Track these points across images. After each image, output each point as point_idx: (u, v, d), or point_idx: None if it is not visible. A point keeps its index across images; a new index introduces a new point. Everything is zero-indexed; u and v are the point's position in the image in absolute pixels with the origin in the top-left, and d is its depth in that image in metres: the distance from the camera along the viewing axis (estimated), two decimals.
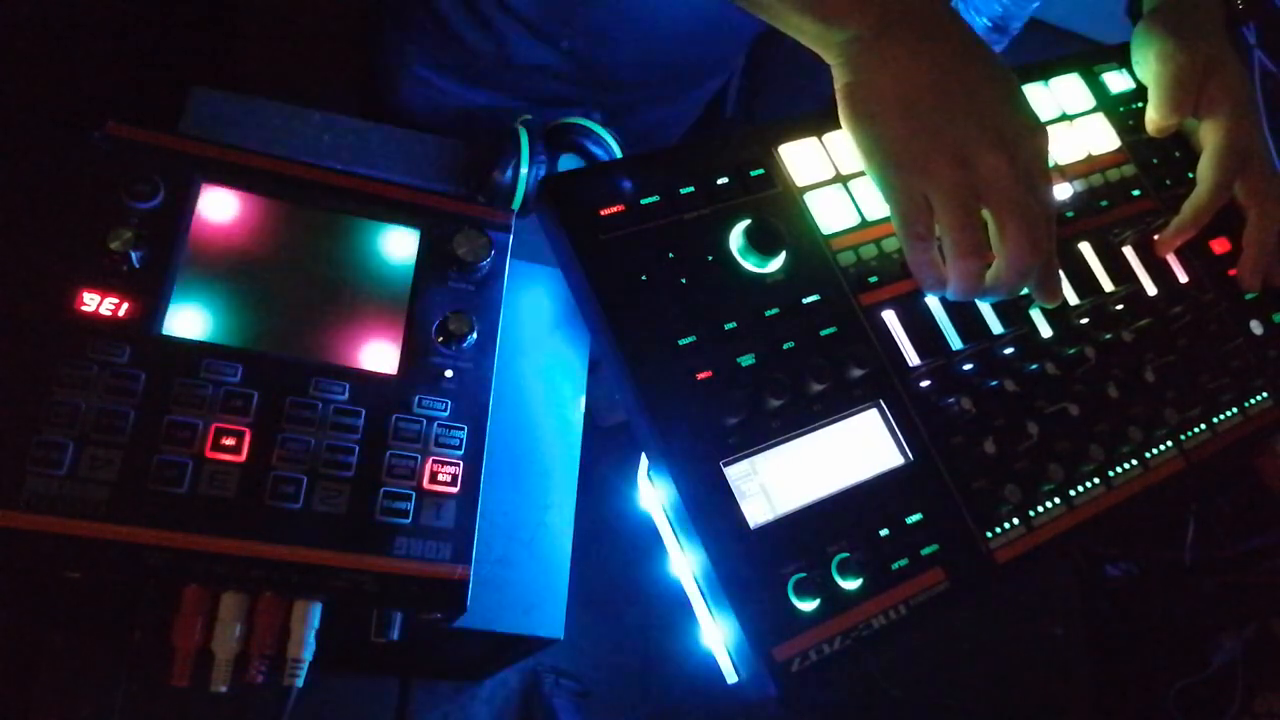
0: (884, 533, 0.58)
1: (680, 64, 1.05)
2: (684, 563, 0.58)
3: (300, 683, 0.55)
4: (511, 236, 0.66)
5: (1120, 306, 0.71)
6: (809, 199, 0.66)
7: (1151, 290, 0.74)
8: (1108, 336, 0.69)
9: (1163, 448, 0.68)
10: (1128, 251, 0.74)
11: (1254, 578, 0.92)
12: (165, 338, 0.56)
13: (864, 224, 0.67)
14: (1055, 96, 0.78)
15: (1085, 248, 0.72)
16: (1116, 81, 0.81)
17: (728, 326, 0.60)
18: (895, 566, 0.57)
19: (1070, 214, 0.73)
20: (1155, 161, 0.79)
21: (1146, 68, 0.79)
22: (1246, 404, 0.73)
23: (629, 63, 1.01)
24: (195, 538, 0.52)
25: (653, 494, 0.61)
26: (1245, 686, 0.89)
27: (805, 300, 0.63)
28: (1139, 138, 0.79)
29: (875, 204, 0.67)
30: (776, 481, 0.57)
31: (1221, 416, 0.71)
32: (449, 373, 0.61)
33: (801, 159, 0.67)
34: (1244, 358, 0.74)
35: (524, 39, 0.97)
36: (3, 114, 1.07)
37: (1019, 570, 0.61)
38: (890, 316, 0.64)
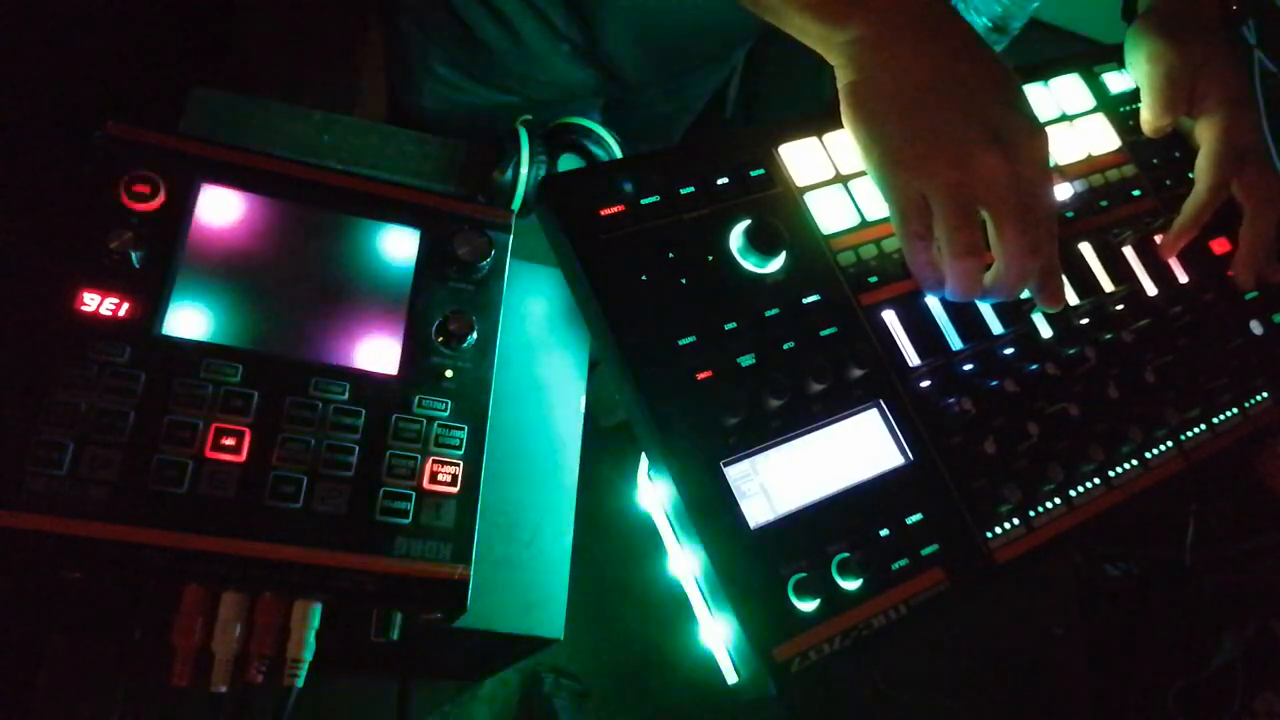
0: (884, 533, 0.58)
1: (689, 48, 1.05)
2: (684, 563, 0.58)
3: (300, 683, 0.55)
4: (511, 236, 0.66)
5: (1120, 307, 0.71)
6: (809, 199, 0.66)
7: (1151, 290, 0.74)
8: (1108, 337, 0.69)
9: (1163, 448, 0.68)
10: (1128, 251, 0.74)
11: (1254, 578, 0.92)
12: (165, 338, 0.56)
13: (864, 224, 0.67)
14: (1055, 96, 0.78)
15: (1085, 248, 0.72)
16: (1116, 81, 0.81)
17: (728, 326, 0.60)
18: (895, 566, 0.57)
19: (1070, 214, 0.73)
20: (1155, 161, 0.79)
21: (1139, 68, 0.79)
22: (1246, 404, 0.73)
23: (633, 43, 1.01)
24: (195, 538, 0.52)
25: (653, 494, 0.61)
26: (1245, 686, 0.89)
27: (805, 300, 0.63)
28: (1139, 138, 0.79)
29: (875, 204, 0.67)
30: (776, 481, 0.57)
31: (1221, 416, 0.71)
32: (449, 373, 0.61)
33: (801, 159, 0.67)
34: (1244, 358, 0.74)
35: (536, 28, 0.97)
36: (3, 114, 1.07)
37: (1019, 570, 0.61)
38: (890, 316, 0.64)
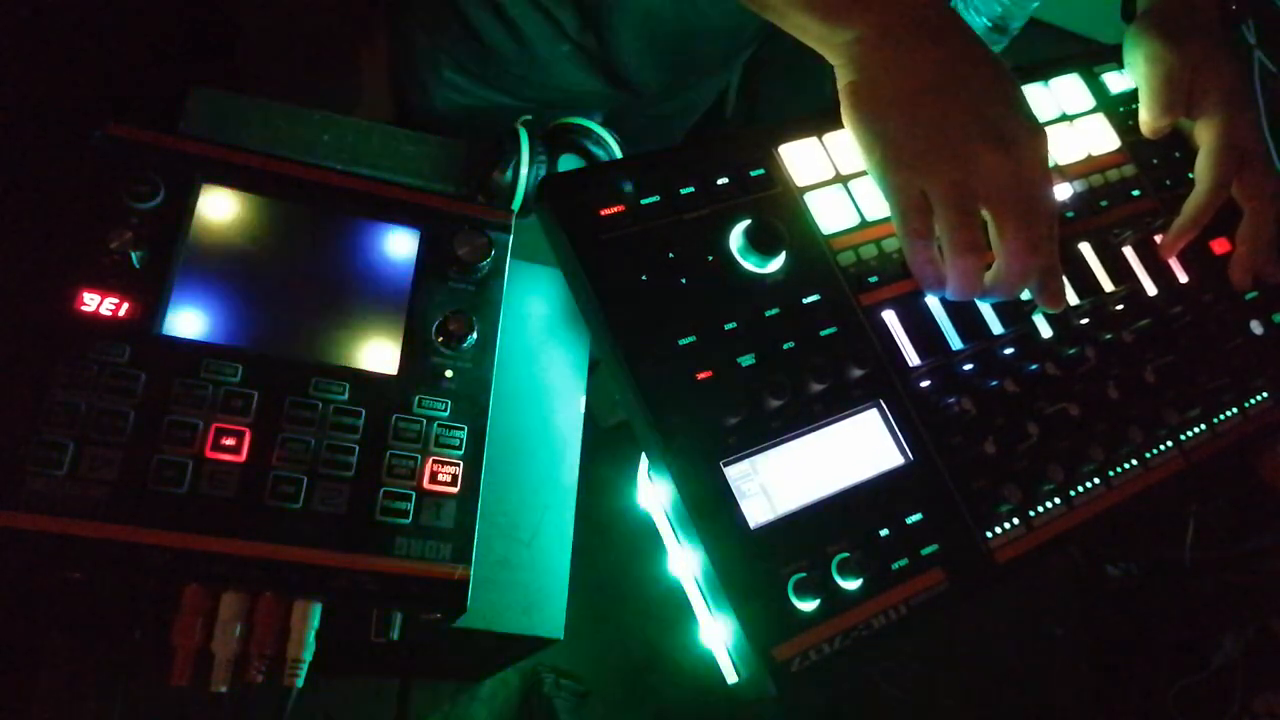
0: (884, 533, 0.58)
1: (697, 52, 1.05)
2: (684, 562, 0.58)
3: (300, 683, 0.55)
4: (511, 236, 0.66)
5: (1120, 306, 0.71)
6: (809, 199, 0.66)
7: (1151, 290, 0.74)
8: (1108, 337, 0.69)
9: (1163, 448, 0.68)
10: (1128, 251, 0.74)
11: (1254, 578, 0.92)
12: (165, 338, 0.56)
13: (864, 224, 0.67)
14: (1055, 96, 0.78)
15: (1085, 248, 0.72)
16: (1116, 81, 0.81)
17: (728, 326, 0.60)
18: (895, 566, 0.57)
19: (1070, 214, 0.73)
20: (1155, 161, 0.79)
21: (1138, 69, 0.79)
22: (1246, 404, 0.73)
23: (644, 49, 1.01)
24: (195, 538, 0.52)
25: (653, 494, 0.61)
26: (1245, 686, 0.89)
27: (805, 300, 0.63)
28: (1139, 138, 0.79)
29: (875, 204, 0.67)
30: (776, 481, 0.57)
31: (1221, 416, 0.71)
32: (449, 373, 0.61)
33: (801, 159, 0.67)
34: (1244, 358, 0.74)
35: (543, 32, 0.97)
36: (3, 114, 1.07)
37: (1019, 570, 0.60)
38: (890, 316, 0.64)
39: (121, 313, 0.56)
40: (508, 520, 0.68)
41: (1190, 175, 0.77)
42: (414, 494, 0.57)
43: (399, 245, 0.64)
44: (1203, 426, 0.70)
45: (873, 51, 0.61)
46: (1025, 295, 0.65)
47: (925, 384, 0.63)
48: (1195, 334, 0.73)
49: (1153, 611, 0.96)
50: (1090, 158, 0.77)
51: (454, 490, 0.58)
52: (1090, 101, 0.79)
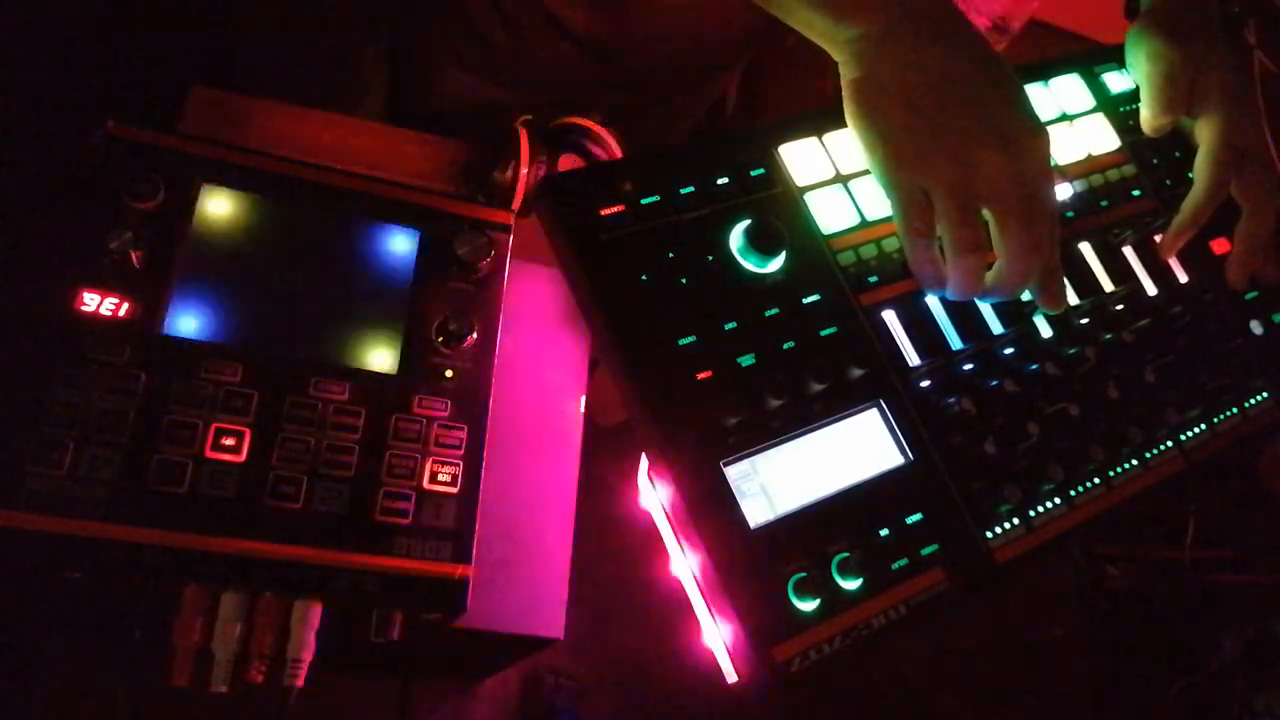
0: (884, 533, 0.58)
1: (702, 52, 1.05)
2: (684, 563, 0.58)
3: (300, 683, 0.55)
4: (511, 236, 0.66)
5: (1120, 306, 0.71)
6: (809, 199, 0.66)
7: (1151, 290, 0.74)
8: (1108, 337, 0.69)
9: (1163, 448, 0.68)
10: (1128, 251, 0.74)
11: (1254, 578, 0.92)
12: (165, 338, 0.56)
13: (864, 224, 0.67)
14: (1055, 96, 0.78)
15: (1085, 248, 0.72)
16: (1116, 81, 0.81)
17: (728, 326, 0.60)
18: (895, 566, 0.57)
19: (1070, 214, 0.73)
20: (1155, 161, 0.79)
21: (1139, 67, 0.79)
22: (1246, 404, 0.73)
23: (650, 51, 1.01)
24: (195, 538, 0.52)
25: (653, 494, 0.61)
26: (1245, 686, 0.89)
27: (805, 300, 0.63)
28: (1139, 138, 0.79)
29: (875, 204, 0.67)
30: (776, 481, 0.57)
31: (1221, 416, 0.71)
32: (449, 373, 0.61)
33: (801, 159, 0.67)
34: (1244, 358, 0.74)
35: (543, 30, 0.97)
36: (3, 114, 1.07)
37: (1019, 570, 0.60)
38: (890, 316, 0.64)
39: (121, 313, 0.56)
40: (508, 520, 0.68)
41: (1190, 175, 0.77)
42: (414, 494, 0.57)
43: (399, 245, 0.64)
44: (1203, 426, 0.70)
45: (877, 48, 0.61)
46: (1025, 296, 0.65)
47: (925, 384, 0.63)
48: (1195, 334, 0.73)
49: (1153, 611, 0.96)
50: (1090, 158, 0.77)
51: (454, 490, 0.58)
52: (1090, 101, 0.79)
